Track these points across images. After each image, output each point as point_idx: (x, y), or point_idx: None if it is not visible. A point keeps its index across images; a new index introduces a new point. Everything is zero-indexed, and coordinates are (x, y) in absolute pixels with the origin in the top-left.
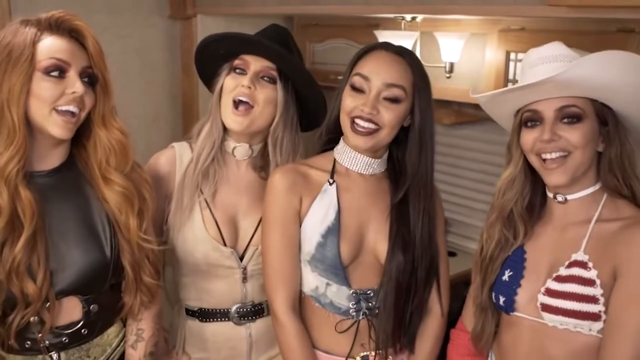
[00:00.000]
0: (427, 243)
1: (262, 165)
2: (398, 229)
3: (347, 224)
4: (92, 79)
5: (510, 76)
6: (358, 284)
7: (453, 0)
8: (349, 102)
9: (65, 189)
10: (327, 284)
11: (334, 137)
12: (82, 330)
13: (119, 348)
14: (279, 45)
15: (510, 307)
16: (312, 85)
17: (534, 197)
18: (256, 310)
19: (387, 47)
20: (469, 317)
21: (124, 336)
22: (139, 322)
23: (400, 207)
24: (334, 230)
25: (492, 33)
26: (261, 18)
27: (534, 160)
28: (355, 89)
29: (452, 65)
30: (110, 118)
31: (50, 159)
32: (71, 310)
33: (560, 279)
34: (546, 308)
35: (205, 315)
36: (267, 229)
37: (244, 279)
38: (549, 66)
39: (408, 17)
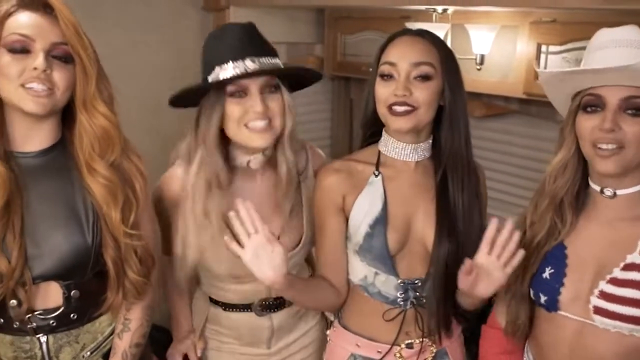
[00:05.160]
0: (471, 223)
1: (272, 158)
2: (444, 215)
3: (394, 214)
4: (65, 56)
5: (541, 69)
6: (406, 274)
7: None
8: (382, 91)
9: (51, 170)
10: (376, 273)
11: (375, 130)
12: (71, 315)
13: (111, 337)
14: (262, 49)
15: (553, 306)
16: (308, 72)
17: (582, 186)
18: (278, 304)
19: (407, 32)
20: (501, 312)
21: None
22: (128, 312)
23: (444, 191)
24: (382, 220)
25: (524, 25)
26: (293, 10)
27: (587, 147)
28: (385, 76)
29: (482, 57)
30: (93, 102)
31: (37, 140)
32: (52, 295)
33: (617, 283)
34: (599, 311)
35: (229, 306)
36: (316, 224)
37: None
38: (622, 51)
39: (439, 9)
